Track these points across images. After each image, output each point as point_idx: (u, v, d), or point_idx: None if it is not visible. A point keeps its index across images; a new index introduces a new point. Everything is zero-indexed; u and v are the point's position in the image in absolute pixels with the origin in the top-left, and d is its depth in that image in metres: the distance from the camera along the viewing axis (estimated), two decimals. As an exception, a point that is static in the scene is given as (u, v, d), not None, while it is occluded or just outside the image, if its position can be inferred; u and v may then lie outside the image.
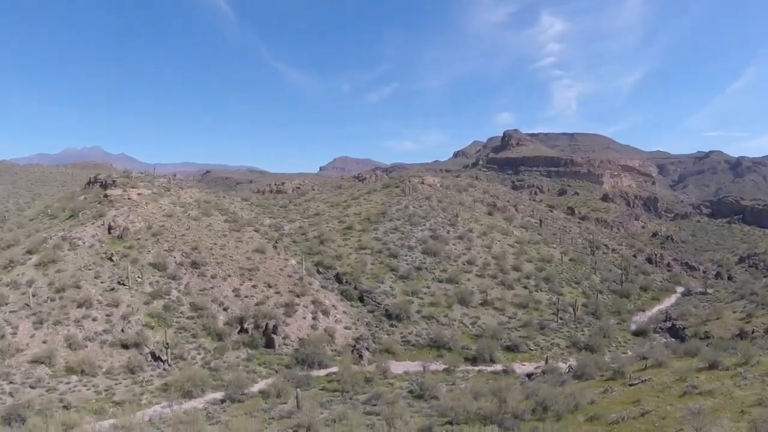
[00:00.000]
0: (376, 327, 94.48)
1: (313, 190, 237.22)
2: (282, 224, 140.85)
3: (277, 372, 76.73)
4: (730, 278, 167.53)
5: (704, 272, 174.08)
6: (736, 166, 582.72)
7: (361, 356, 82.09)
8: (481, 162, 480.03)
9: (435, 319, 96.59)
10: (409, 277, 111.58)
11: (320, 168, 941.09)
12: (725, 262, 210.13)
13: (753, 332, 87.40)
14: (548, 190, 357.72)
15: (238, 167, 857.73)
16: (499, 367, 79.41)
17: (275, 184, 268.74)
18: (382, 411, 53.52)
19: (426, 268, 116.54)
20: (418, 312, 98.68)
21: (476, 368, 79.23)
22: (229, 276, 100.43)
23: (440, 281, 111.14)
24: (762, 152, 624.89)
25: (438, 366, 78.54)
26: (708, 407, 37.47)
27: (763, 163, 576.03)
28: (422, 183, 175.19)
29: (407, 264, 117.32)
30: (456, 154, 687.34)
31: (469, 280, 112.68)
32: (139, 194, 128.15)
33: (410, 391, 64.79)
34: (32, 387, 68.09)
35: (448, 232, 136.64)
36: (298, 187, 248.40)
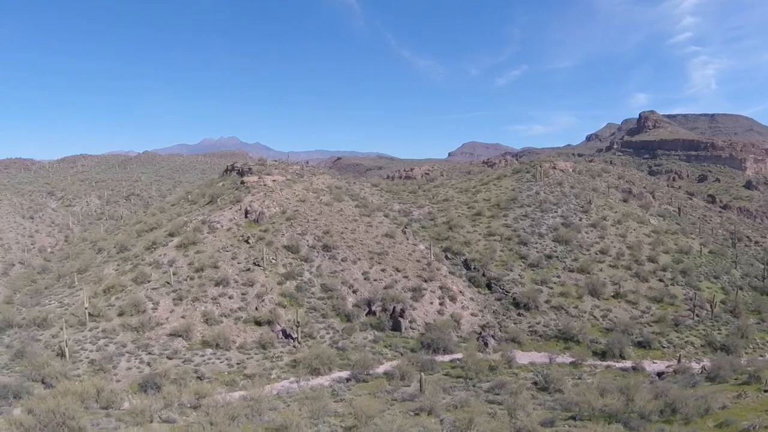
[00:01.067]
0: (503, 315, 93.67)
1: (442, 175, 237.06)
2: (411, 210, 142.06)
3: (402, 355, 78.11)
4: None
5: None
6: None
7: (486, 344, 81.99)
8: (615, 146, 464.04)
9: (564, 310, 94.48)
10: (539, 266, 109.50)
11: (449, 154, 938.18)
12: None
13: None
14: (687, 176, 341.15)
15: (367, 154, 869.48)
16: (628, 363, 76.71)
17: (404, 170, 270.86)
18: (504, 401, 53.40)
19: (557, 256, 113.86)
20: (547, 302, 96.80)
21: (604, 363, 76.90)
22: (359, 259, 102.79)
23: (571, 271, 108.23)
24: None
25: (564, 359, 77.17)
26: None
27: None
28: (554, 168, 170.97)
29: (537, 252, 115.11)
30: (589, 138, 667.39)
31: (601, 270, 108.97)
32: (273, 181, 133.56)
33: (534, 383, 64.15)
34: (169, 358, 73.28)
35: (580, 219, 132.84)
36: (427, 173, 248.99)
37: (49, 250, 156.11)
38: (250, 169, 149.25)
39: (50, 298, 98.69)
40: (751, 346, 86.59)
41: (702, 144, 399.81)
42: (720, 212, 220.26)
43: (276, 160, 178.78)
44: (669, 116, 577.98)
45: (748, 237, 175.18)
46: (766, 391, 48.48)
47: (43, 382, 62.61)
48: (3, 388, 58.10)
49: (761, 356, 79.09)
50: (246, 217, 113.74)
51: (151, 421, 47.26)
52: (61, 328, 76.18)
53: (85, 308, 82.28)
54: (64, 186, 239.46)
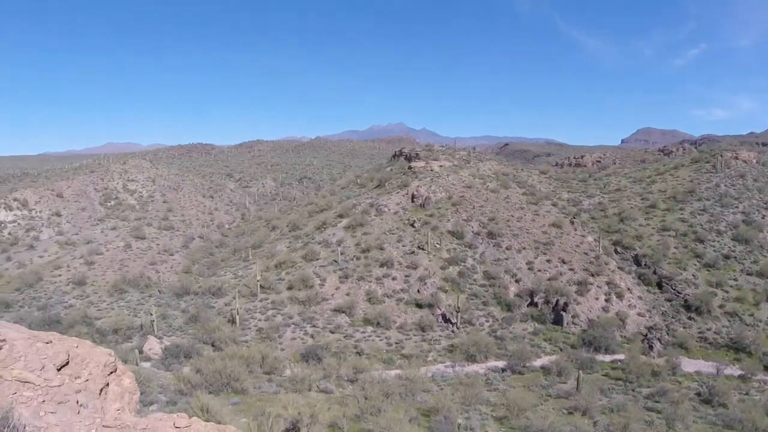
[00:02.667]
0: (672, 318, 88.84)
1: (614, 164, 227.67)
2: (580, 199, 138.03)
3: (561, 350, 76.80)
4: None
5: None
6: None
7: (651, 347, 78.34)
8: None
9: (738, 317, 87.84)
10: (715, 266, 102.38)
11: (621, 140, 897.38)
12: None
13: None
14: None
15: (536, 140, 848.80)
16: (804, 381, 70.51)
17: (574, 158, 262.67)
18: (664, 409, 51.19)
19: (735, 257, 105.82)
20: (721, 307, 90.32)
21: (775, 379, 71.12)
22: (524, 248, 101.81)
23: (749, 273, 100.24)
24: None
25: (733, 371, 71.56)
26: None
27: None
28: (735, 158, 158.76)
29: (714, 251, 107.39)
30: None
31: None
32: (440, 166, 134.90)
33: (698, 394, 60.62)
34: (332, 332, 77.05)
35: (763, 217, 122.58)
36: (599, 161, 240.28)
37: (226, 226, 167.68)
38: (417, 154, 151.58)
39: (225, 270, 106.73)
40: None
41: None
42: None
43: (442, 146, 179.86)
44: None
45: None
46: None
47: (213, 345, 68.05)
48: (176, 348, 63.85)
49: None
50: (412, 201, 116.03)
51: (310, 390, 49.98)
52: (234, 297, 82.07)
53: (257, 280, 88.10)
54: (242, 169, 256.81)
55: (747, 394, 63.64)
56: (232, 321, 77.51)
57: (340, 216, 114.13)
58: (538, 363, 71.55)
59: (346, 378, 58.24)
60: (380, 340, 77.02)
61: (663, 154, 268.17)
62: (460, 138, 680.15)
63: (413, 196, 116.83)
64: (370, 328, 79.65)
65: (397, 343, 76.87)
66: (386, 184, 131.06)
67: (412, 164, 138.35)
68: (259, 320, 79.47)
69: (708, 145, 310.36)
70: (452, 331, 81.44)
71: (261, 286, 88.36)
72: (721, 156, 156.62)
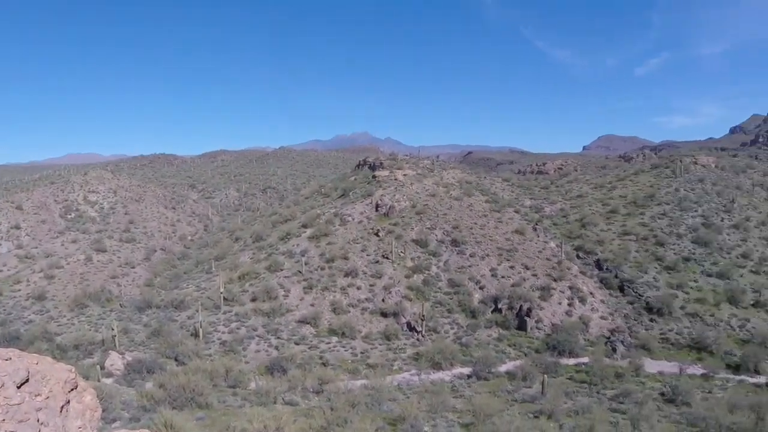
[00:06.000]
0: (634, 320, 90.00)
1: (576, 170, 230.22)
2: (543, 205, 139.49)
3: (526, 355, 77.30)
4: None
5: None
6: None
7: (614, 349, 79.31)
8: (761, 139, 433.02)
9: (699, 318, 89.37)
10: (676, 269, 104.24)
11: (583, 147, 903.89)
12: None
13: None
14: None
15: (499, 148, 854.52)
16: (763, 379, 71.05)
17: (536, 165, 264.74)
18: (628, 410, 51.76)
19: (695, 259, 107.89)
20: (682, 308, 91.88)
21: (737, 377, 71.77)
22: (488, 255, 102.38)
23: (709, 275, 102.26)
24: None
25: (695, 370, 73.03)
26: None
27: None
28: (695, 163, 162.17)
29: (674, 254, 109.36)
30: (732, 131, 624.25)
31: (741, 276, 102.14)
32: (404, 175, 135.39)
33: (662, 394, 61.45)
34: (296, 343, 76.75)
35: (722, 219, 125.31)
36: (560, 168, 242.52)
37: (189, 238, 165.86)
38: (381, 163, 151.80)
39: (188, 282, 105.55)
40: None
41: None
42: None
43: (407, 155, 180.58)
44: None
45: None
46: None
47: (176, 360, 67.20)
48: (138, 363, 62.95)
49: None
50: (377, 210, 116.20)
51: (275, 402, 49.52)
52: (197, 310, 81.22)
53: (221, 293, 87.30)
54: (205, 179, 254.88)
55: (710, 392, 64.78)
56: (196, 334, 76.54)
57: (304, 226, 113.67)
58: (503, 368, 71.93)
59: (311, 389, 57.86)
60: (345, 351, 76.75)
61: (624, 160, 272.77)
62: (424, 147, 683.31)
63: (377, 205, 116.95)
64: (335, 339, 79.35)
65: (362, 352, 76.73)
66: (350, 193, 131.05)
67: (377, 173, 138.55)
68: (223, 333, 78.57)
69: (668, 151, 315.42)
70: (417, 340, 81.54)
71: (224, 298, 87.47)
72: (681, 161, 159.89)
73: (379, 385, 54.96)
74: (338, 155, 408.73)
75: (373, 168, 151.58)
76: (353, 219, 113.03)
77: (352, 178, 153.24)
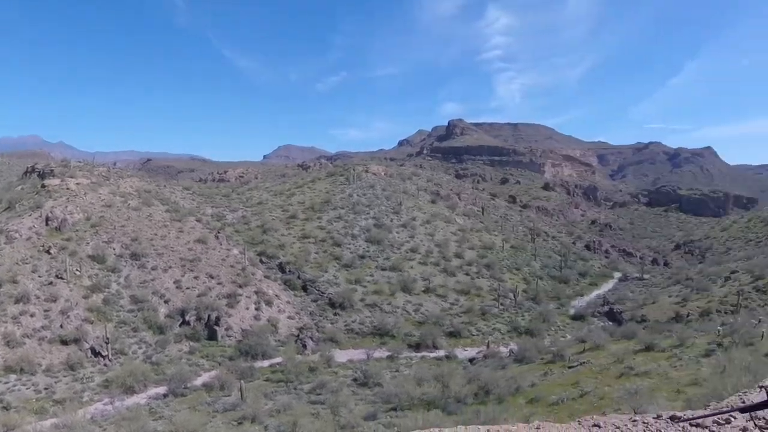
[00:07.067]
0: (319, 316, 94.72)
1: (257, 178, 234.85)
2: (224, 213, 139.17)
3: (220, 364, 76.14)
4: (666, 264, 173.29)
5: (641, 258, 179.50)
6: (675, 157, 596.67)
7: (305, 346, 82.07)
8: (425, 151, 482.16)
9: (378, 307, 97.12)
10: (353, 266, 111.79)
11: (264, 156, 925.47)
12: (662, 248, 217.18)
13: (688, 316, 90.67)
14: (491, 178, 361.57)
15: (180, 155, 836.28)
16: (441, 352, 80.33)
17: (218, 173, 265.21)
18: (326, 400, 53.77)
19: (369, 256, 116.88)
20: (362, 300, 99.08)
21: (419, 354, 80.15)
22: (171, 267, 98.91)
23: (383, 269, 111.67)
24: (700, 143, 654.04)
25: (382, 353, 79.24)
26: (645, 387, 38.76)
27: (701, 155, 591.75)
28: (366, 171, 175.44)
29: (351, 252, 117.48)
30: (401, 143, 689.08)
31: (412, 267, 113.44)
32: (77, 184, 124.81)
33: (354, 379, 65.16)
34: (-34, 389, 66.11)
35: (391, 220, 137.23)
36: (241, 176, 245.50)
37: None
38: (51, 171, 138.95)
39: None
40: (552, 329, 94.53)
41: (505, 150, 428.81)
42: (520, 211, 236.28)
43: (81, 161, 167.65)
44: (476, 124, 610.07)
45: (545, 233, 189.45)
46: (570, 367, 52.40)
47: None
48: None
49: (562, 337, 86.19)
50: (47, 224, 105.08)
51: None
52: None
53: None
54: None
55: (397, 371, 70.63)
56: None
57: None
58: (199, 381, 69.99)
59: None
60: (27, 389, 67.98)
61: (302, 168, 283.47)
62: (100, 153, 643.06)
63: (48, 219, 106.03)
64: (13, 377, 69.85)
65: (46, 388, 68.58)
66: (17, 205, 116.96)
67: (47, 182, 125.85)
68: None
69: (343, 161, 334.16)
70: (105, 365, 75.69)
71: None
72: (354, 170, 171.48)
73: (71, 421, 50.18)
74: (3, 161, 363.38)
75: (42, 176, 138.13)
76: (21, 235, 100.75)
77: (19, 188, 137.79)
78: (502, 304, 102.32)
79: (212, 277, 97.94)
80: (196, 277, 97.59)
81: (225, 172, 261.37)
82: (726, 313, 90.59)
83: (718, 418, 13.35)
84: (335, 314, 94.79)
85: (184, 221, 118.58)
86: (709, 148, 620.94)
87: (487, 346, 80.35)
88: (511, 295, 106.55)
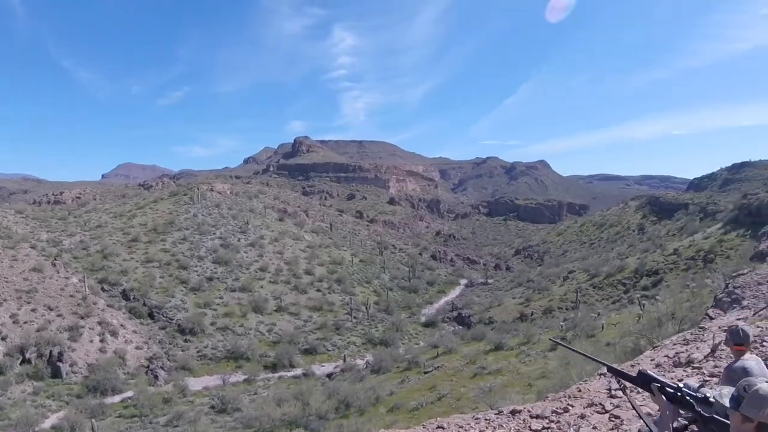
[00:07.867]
0: (169, 344, 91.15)
1: (95, 199, 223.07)
2: (61, 239, 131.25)
3: (68, 404, 71.41)
4: (508, 268, 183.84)
5: (485, 265, 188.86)
6: (511, 170, 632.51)
7: (156, 376, 78.96)
8: (271, 168, 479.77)
9: (230, 330, 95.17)
10: (201, 289, 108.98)
11: (102, 175, 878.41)
12: (503, 254, 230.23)
13: (532, 314, 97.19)
14: (338, 195, 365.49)
15: (11, 175, 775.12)
16: (299, 371, 79.97)
17: (53, 194, 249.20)
18: (185, 431, 52.28)
19: (218, 278, 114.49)
20: (213, 324, 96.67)
21: (277, 375, 79.32)
22: (5, 300, 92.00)
23: (233, 290, 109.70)
24: (534, 157, 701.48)
25: (238, 377, 77.64)
26: (498, 384, 40.91)
27: (535, 167, 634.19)
28: (211, 190, 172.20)
29: (198, 275, 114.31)
30: (246, 161, 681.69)
31: (262, 287, 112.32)
32: None
33: (212, 407, 63.54)
34: None
35: (239, 240, 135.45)
36: (79, 197, 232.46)
37: None
38: None
39: None
40: (406, 337, 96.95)
41: (351, 167, 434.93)
42: (367, 225, 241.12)
43: None
44: (322, 141, 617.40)
45: (393, 245, 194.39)
46: (425, 373, 54.40)
47: None
48: None
49: (416, 344, 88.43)
50: None
51: None
52: None
53: None
54: None
55: (256, 393, 69.73)
56: None
57: None
58: (47, 424, 65.32)
59: None
60: None
61: (144, 188, 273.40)
62: None
63: None
64: None
65: None
66: None
67: None
68: None
69: (186, 179, 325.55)
70: (-70, 410, 69.64)
71: None
72: (198, 189, 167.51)
73: None
74: None
75: None
76: None
77: None
78: (355, 318, 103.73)
79: (51, 309, 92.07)
80: (33, 310, 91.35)
81: (61, 193, 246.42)
82: (567, 309, 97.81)
83: (557, 408, 14.72)
84: (186, 341, 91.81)
85: (17, 248, 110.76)
86: (542, 161, 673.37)
87: (344, 360, 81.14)
88: (363, 308, 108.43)
